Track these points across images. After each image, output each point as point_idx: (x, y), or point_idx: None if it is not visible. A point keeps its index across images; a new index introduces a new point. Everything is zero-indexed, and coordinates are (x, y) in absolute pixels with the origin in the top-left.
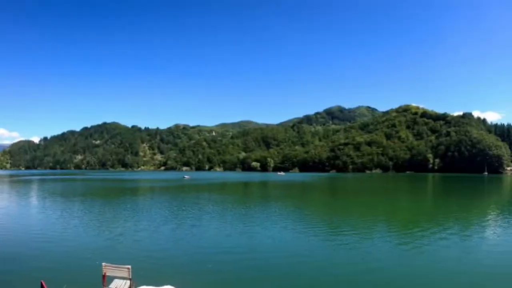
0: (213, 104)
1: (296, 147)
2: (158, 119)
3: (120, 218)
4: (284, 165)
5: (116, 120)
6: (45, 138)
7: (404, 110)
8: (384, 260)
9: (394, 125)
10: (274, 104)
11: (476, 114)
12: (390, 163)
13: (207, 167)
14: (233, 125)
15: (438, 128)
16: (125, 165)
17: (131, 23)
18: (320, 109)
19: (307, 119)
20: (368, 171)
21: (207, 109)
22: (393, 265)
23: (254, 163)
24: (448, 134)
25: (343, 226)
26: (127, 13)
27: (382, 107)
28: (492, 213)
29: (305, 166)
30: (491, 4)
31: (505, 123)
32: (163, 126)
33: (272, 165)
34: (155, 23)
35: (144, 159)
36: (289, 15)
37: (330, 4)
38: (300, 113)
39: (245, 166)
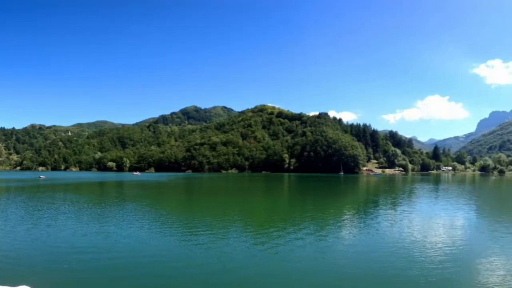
0: (69, 104)
1: (152, 147)
2: (14, 119)
3: None
4: (140, 165)
5: None
6: None
7: (260, 110)
8: (240, 260)
9: (250, 125)
10: (130, 104)
11: (332, 114)
12: (246, 163)
13: (63, 167)
14: (89, 125)
15: (294, 128)
16: None
17: None
18: (176, 109)
19: (163, 119)
20: (224, 171)
21: (63, 109)
22: (249, 265)
23: (110, 163)
24: (304, 134)
25: (199, 226)
26: None
27: (238, 107)
28: (347, 213)
29: (161, 166)
30: (346, 6)
31: (361, 123)
32: (19, 126)
33: (128, 165)
34: (14, 21)
35: (0, 159)
36: (145, 15)
37: (187, 3)
38: (156, 113)
39: (101, 166)
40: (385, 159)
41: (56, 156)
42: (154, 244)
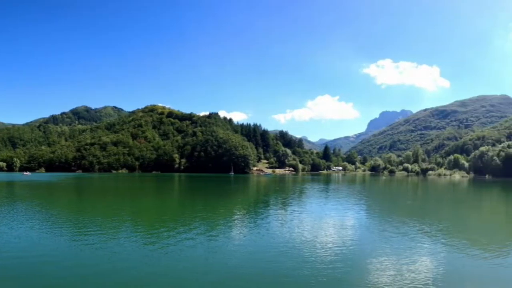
0: None
1: (43, 147)
2: None
3: None
4: (30, 165)
5: None
6: None
7: (151, 110)
8: (130, 260)
9: (140, 125)
10: (20, 103)
11: (222, 114)
12: (137, 163)
13: None
14: None
15: (184, 128)
16: None
17: None
18: (66, 109)
19: (54, 119)
20: (114, 171)
21: None
22: (139, 265)
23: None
24: (194, 134)
25: (89, 226)
26: None
27: (128, 107)
28: (238, 213)
29: (52, 166)
30: (234, 6)
31: (251, 123)
32: None
33: (18, 165)
34: None
35: None
36: (37, 14)
37: (78, 3)
38: (46, 113)
39: None
40: (275, 159)
41: None
42: (44, 244)
